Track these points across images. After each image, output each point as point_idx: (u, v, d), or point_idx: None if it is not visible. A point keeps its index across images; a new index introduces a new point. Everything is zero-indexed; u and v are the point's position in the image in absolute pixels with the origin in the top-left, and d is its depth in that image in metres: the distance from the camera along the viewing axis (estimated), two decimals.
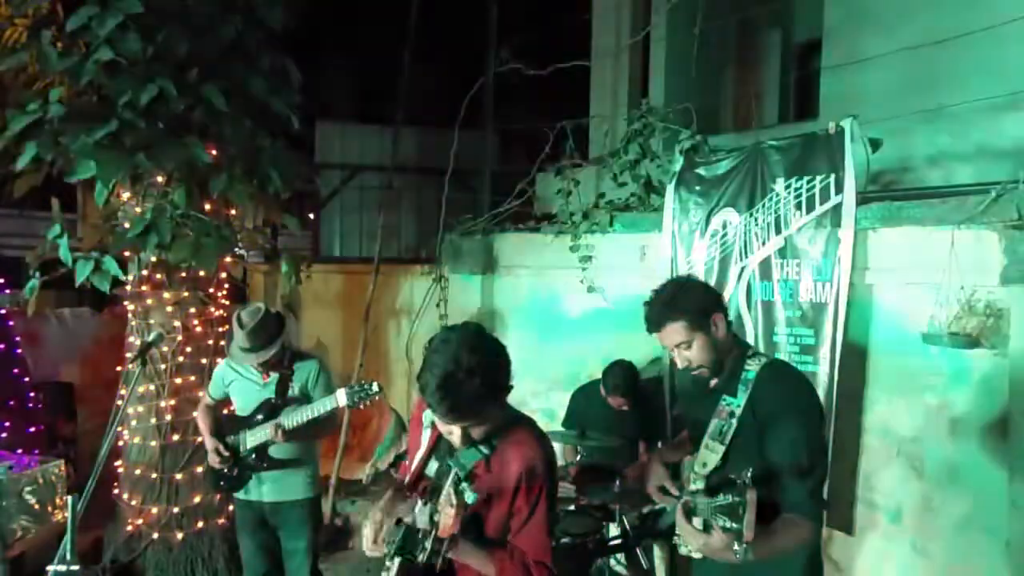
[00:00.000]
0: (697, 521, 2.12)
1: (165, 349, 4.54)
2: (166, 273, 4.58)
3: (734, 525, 1.96)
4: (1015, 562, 2.95)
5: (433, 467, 2.21)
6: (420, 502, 2.15)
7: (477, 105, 6.49)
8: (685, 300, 2.28)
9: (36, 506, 4.24)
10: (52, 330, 6.80)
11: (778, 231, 3.73)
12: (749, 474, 1.99)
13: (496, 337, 2.03)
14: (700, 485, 2.26)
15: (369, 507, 2.35)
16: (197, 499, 4.65)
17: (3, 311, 5.57)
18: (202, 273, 4.64)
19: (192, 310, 4.66)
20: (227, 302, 4.95)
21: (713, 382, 2.36)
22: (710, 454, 2.28)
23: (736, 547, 1.96)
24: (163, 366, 4.55)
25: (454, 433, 2.01)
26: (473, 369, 1.87)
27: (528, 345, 5.45)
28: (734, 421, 2.25)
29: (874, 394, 3.48)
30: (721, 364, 2.33)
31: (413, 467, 2.26)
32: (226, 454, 3.56)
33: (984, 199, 3.10)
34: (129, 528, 4.59)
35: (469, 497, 1.97)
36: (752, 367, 2.29)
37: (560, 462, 4.69)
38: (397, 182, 7.86)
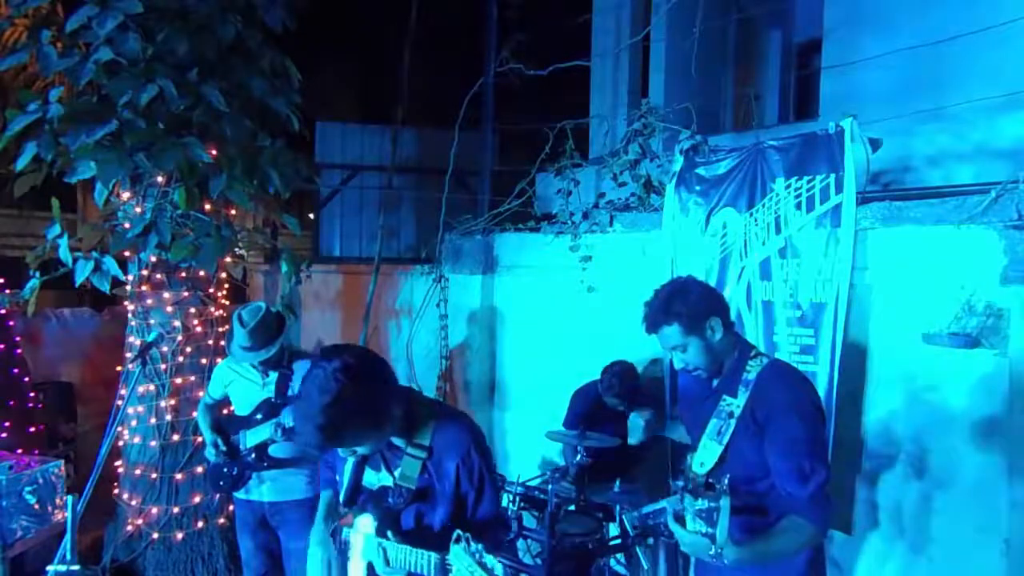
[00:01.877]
0: (689, 523, 2.13)
1: (165, 349, 4.54)
2: (166, 273, 4.58)
3: (709, 529, 1.98)
4: (1015, 562, 2.95)
5: (373, 477, 2.28)
6: (365, 515, 2.22)
7: (477, 105, 6.50)
8: (681, 304, 2.28)
9: (36, 506, 4.23)
10: (52, 330, 6.81)
11: (778, 231, 3.73)
12: (727, 480, 2.01)
13: (357, 361, 2.03)
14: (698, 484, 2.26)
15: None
16: (197, 499, 4.65)
17: (3, 311, 5.58)
18: (202, 273, 4.65)
19: (192, 310, 4.67)
20: (227, 302, 4.95)
21: (714, 383, 2.36)
22: (708, 454, 2.28)
23: (712, 551, 1.97)
24: (163, 366, 4.55)
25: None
26: (323, 410, 1.95)
27: (528, 345, 5.45)
28: (733, 421, 2.25)
29: (874, 394, 3.48)
30: (720, 365, 2.33)
31: (345, 482, 2.30)
32: (223, 448, 3.57)
33: (984, 199, 3.09)
34: (129, 528, 4.59)
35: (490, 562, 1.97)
36: (753, 368, 2.29)
37: (560, 462, 4.69)
38: (397, 182, 7.87)
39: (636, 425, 2.55)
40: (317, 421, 1.96)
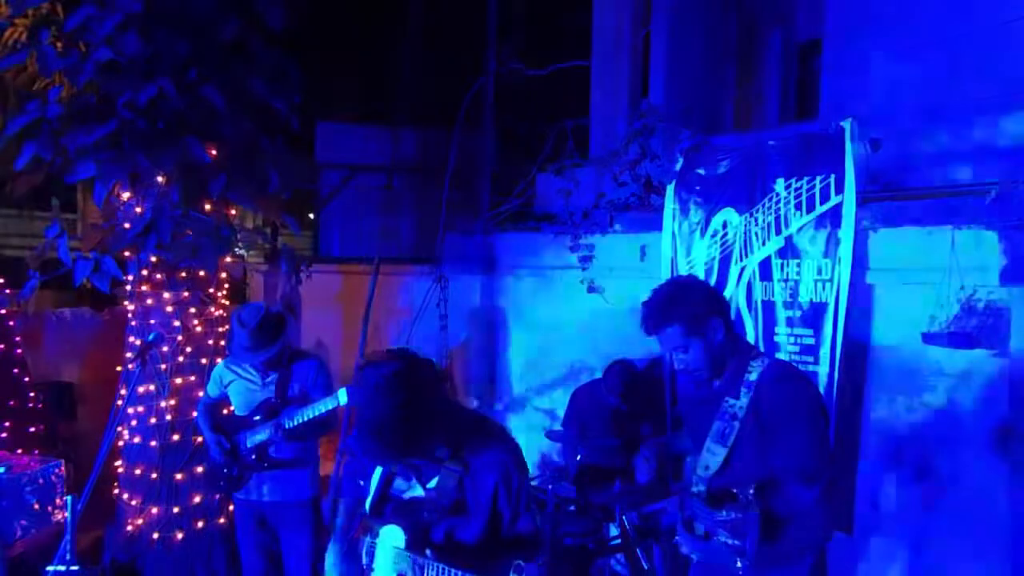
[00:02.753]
0: (699, 529, 2.11)
1: (165, 349, 4.54)
2: (166, 273, 4.58)
3: (736, 542, 1.96)
4: (1015, 562, 2.95)
5: (403, 486, 2.21)
6: (392, 527, 2.14)
7: (477, 105, 6.50)
8: (681, 305, 2.26)
9: (36, 506, 4.24)
10: (52, 330, 6.81)
11: (778, 231, 3.73)
12: (752, 491, 1.98)
13: (410, 365, 1.96)
14: (702, 488, 2.24)
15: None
16: (197, 499, 4.64)
17: (3, 311, 5.57)
18: (202, 273, 4.64)
19: (192, 310, 4.66)
20: (227, 302, 4.95)
21: (715, 384, 2.35)
22: (712, 456, 2.26)
23: (739, 562, 1.95)
24: (163, 366, 4.55)
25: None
26: (385, 418, 1.86)
27: (528, 345, 5.45)
28: (736, 423, 2.24)
29: (874, 394, 3.48)
30: (721, 366, 2.31)
31: (372, 489, 2.22)
32: (227, 446, 3.57)
33: (984, 199, 3.09)
34: (129, 528, 4.59)
35: None
36: (755, 369, 2.27)
37: (560, 462, 4.69)
38: (397, 182, 7.88)
39: (641, 465, 2.53)
40: (379, 432, 1.86)
